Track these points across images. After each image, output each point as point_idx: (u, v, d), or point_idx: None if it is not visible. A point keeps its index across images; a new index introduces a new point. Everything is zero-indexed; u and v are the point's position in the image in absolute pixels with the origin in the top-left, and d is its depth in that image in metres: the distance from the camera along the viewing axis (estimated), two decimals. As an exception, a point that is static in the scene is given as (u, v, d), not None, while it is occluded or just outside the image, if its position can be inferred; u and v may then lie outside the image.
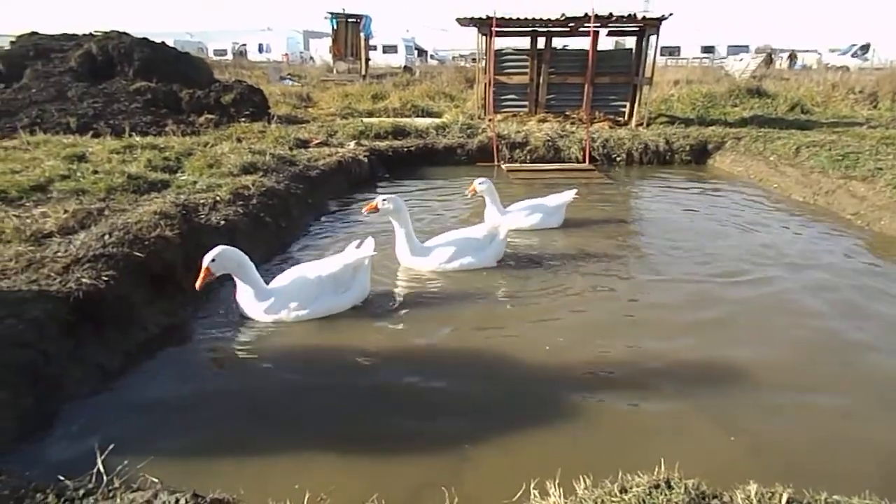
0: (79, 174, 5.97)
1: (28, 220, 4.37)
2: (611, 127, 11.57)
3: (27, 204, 5.03)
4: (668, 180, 9.06)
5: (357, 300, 4.20)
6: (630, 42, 13.52)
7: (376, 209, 4.67)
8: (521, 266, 5.17)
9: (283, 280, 4.08)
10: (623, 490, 1.92)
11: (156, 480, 2.03)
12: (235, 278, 3.87)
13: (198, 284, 3.70)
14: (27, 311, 3.11)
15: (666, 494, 1.86)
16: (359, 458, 2.62)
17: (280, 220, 5.75)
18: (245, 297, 3.91)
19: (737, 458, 2.71)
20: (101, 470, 2.00)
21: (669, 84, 18.30)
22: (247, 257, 3.87)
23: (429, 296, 4.48)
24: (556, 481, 2.00)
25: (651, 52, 12.05)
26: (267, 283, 4.02)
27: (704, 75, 22.52)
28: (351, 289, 4.15)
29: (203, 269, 3.69)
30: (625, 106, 12.45)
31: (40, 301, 3.22)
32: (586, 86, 11.87)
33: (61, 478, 1.99)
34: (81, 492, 1.92)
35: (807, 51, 37.57)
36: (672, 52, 41.32)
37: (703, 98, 15.89)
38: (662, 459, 2.04)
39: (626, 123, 12.09)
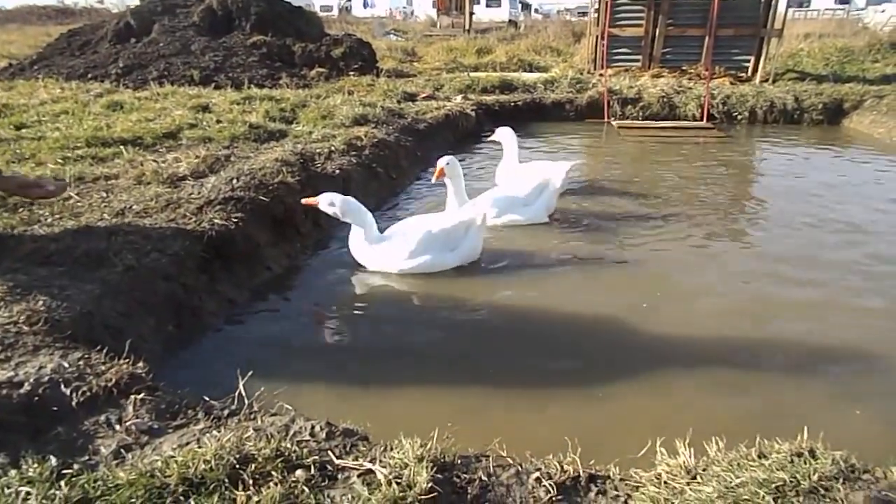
0: (204, 123, 6.30)
1: (164, 165, 4.67)
2: (732, 83, 10.81)
3: (161, 150, 5.37)
4: (797, 141, 8.40)
5: (465, 260, 4.08)
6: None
7: (444, 174, 4.45)
8: (598, 225, 4.95)
9: (395, 231, 4.08)
10: (762, 455, 1.82)
11: (290, 408, 2.14)
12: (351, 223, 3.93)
13: (305, 200, 3.92)
14: (168, 246, 3.33)
15: (811, 464, 1.74)
16: (479, 404, 2.66)
17: (391, 171, 5.84)
18: (357, 243, 3.97)
19: (866, 431, 2.52)
20: (243, 393, 2.13)
21: (798, 38, 16.80)
22: (365, 210, 3.92)
23: (513, 252, 4.38)
24: (686, 441, 1.92)
25: (783, 2, 11.06)
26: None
27: (839, 28, 20.51)
28: (459, 247, 4.04)
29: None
30: (748, 60, 11.56)
31: (179, 238, 3.44)
32: (707, 38, 11.10)
33: (206, 398, 2.14)
34: (226, 412, 2.05)
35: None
36: (801, 2, 37.80)
37: (838, 53, 14.50)
38: (806, 428, 1.92)
39: (749, 79, 11.26)
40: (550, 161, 5.80)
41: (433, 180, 4.57)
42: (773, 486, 1.65)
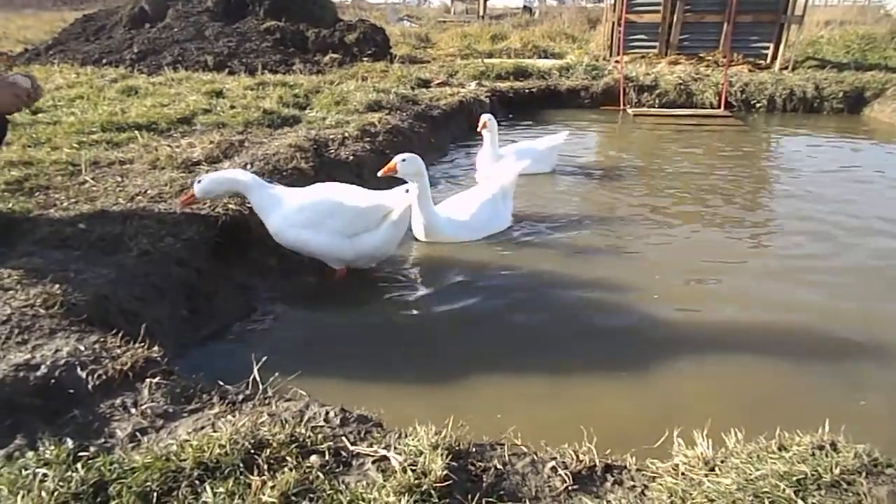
0: (218, 108, 6.29)
1: (178, 150, 4.67)
2: (750, 70, 10.64)
3: (175, 135, 5.37)
4: (817, 130, 8.27)
5: (361, 256, 3.55)
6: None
7: (394, 170, 3.86)
8: (613, 215, 4.89)
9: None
10: (782, 448, 1.79)
11: (304, 393, 2.13)
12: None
13: (381, 172, 3.89)
14: (182, 231, 3.34)
15: (833, 457, 1.71)
16: (492, 393, 2.65)
17: (404, 158, 5.80)
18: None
19: (872, 422, 2.49)
20: (258, 379, 2.12)
21: (818, 25, 16.50)
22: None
23: (519, 240, 4.36)
24: (704, 432, 1.90)
25: (805, -13, 10.87)
26: None
27: (860, 15, 20.11)
28: (360, 238, 3.46)
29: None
30: (767, 47, 11.37)
31: (193, 223, 3.45)
32: (725, 25, 10.91)
33: (221, 383, 2.14)
34: (240, 397, 2.05)
35: None
36: (822, -12, 37.01)
37: (860, 40, 14.19)
38: (827, 420, 1.89)
39: (767, 67, 11.08)
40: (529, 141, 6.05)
41: (379, 175, 3.97)
42: (795, 478, 1.63)
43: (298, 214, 3.33)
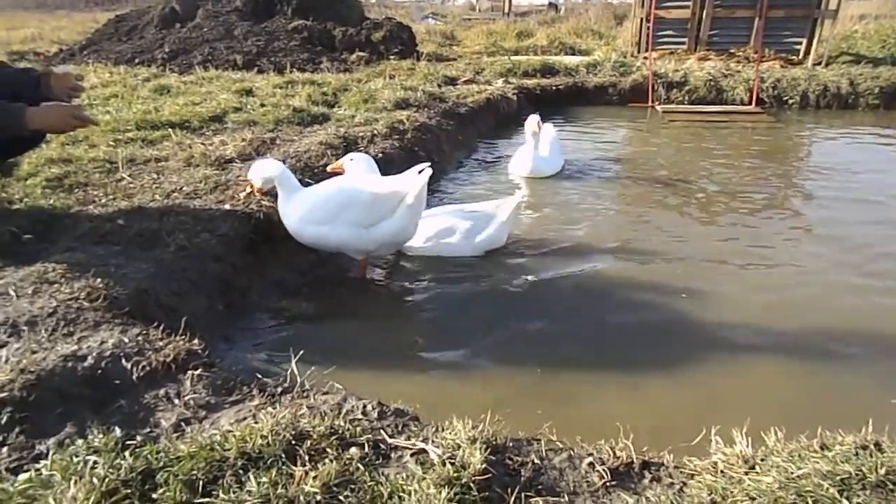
0: (249, 107, 6.37)
1: (211, 147, 4.74)
2: (782, 66, 10.45)
3: (207, 132, 5.45)
4: (853, 127, 8.09)
5: (381, 244, 3.48)
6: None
7: (341, 169, 3.89)
8: (642, 213, 4.87)
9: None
10: (824, 447, 1.77)
11: (340, 387, 2.16)
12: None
13: (329, 168, 3.99)
14: (218, 227, 3.40)
15: (877, 457, 1.69)
16: (526, 390, 2.65)
17: (433, 155, 5.82)
18: None
19: None
20: (295, 372, 2.16)
21: (852, 19, 16.11)
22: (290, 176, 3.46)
23: (553, 236, 4.34)
24: (744, 430, 1.88)
25: (839, -19, 10.63)
26: None
27: (896, 9, 19.63)
28: (379, 227, 3.40)
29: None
30: (800, 43, 11.13)
31: (228, 219, 3.50)
32: (757, 20, 10.72)
33: (259, 375, 2.18)
34: (279, 389, 2.09)
35: None
36: (856, -18, 36.14)
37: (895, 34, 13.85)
38: (871, 420, 1.86)
39: (800, 62, 10.86)
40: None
41: (328, 170, 4.04)
42: (838, 478, 1.61)
43: (314, 212, 3.36)
